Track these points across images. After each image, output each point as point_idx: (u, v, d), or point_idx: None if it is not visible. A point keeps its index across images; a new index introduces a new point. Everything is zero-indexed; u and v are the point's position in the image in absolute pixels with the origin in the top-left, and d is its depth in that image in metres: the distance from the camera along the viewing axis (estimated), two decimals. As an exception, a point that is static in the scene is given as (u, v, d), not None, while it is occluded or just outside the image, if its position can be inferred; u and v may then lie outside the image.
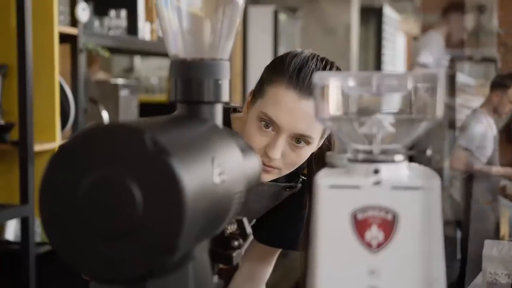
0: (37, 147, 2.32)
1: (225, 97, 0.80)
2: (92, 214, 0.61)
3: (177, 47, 0.81)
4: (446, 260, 0.69)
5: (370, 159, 0.70)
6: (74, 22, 2.60)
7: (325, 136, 1.32)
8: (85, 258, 0.62)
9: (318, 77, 0.71)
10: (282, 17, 4.81)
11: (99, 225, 0.61)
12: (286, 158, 1.25)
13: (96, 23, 2.86)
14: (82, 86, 2.63)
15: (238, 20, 0.83)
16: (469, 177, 4.27)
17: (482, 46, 9.13)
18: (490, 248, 2.02)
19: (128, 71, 5.17)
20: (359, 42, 6.22)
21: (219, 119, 0.80)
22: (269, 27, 4.76)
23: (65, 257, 0.62)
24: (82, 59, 2.62)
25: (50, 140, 2.38)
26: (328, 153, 0.79)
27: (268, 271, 1.47)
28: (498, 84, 4.36)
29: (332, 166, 0.76)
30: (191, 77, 0.78)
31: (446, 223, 4.22)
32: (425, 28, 9.60)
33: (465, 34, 4.58)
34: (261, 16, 4.81)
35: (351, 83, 0.70)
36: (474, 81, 5.87)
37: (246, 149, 0.84)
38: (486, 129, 4.20)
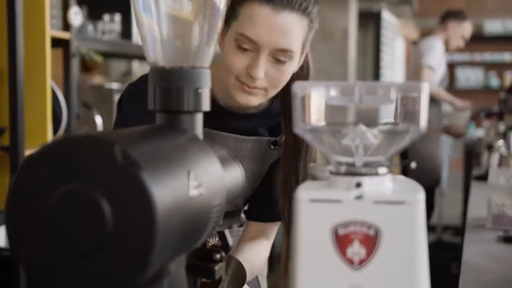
0: (28, 152, 2.29)
1: (206, 106, 0.78)
2: (60, 229, 0.58)
3: (156, 55, 0.78)
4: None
5: (352, 172, 0.67)
6: (66, 26, 2.58)
7: (305, 52, 1.29)
8: (53, 275, 0.59)
9: (298, 86, 0.68)
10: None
11: (68, 241, 0.58)
12: (270, 77, 1.23)
13: (90, 27, 2.84)
14: (74, 90, 2.60)
15: (219, 25, 0.81)
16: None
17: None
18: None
19: (126, 75, 5.15)
20: (358, 46, 6.20)
21: (199, 129, 0.78)
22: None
23: (31, 273, 0.59)
24: (75, 63, 2.59)
25: (41, 145, 2.36)
26: (311, 165, 0.76)
27: (267, 249, 1.43)
28: (452, 16, 4.49)
29: (314, 178, 0.74)
30: (170, 85, 0.76)
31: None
32: (424, 32, 9.61)
33: (463, 41, 4.62)
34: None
35: (333, 93, 0.68)
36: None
37: (227, 159, 0.82)
38: (442, 53, 4.52)
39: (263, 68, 1.21)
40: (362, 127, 0.68)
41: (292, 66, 1.25)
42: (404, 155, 4.19)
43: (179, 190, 0.62)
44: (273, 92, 1.26)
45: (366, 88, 0.67)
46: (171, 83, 0.76)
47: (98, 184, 0.57)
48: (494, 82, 9.77)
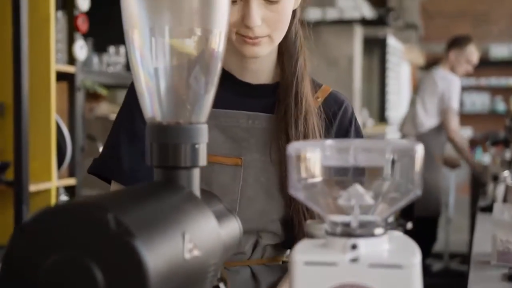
0: (33, 187, 2.30)
1: (203, 161, 0.78)
2: (53, 297, 0.58)
3: (153, 110, 0.79)
4: None
5: (348, 232, 0.67)
6: (72, 60, 2.60)
7: None
8: None
9: (293, 147, 0.68)
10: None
11: (61, 308, 0.58)
12: (269, 21, 1.16)
13: (95, 59, 2.86)
14: (79, 123, 2.61)
15: (216, 79, 0.81)
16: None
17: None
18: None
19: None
20: (363, 72, 6.21)
21: (196, 185, 0.78)
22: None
23: None
24: (80, 97, 2.60)
25: (46, 180, 2.36)
26: (308, 222, 0.76)
27: None
28: (455, 44, 4.52)
29: (310, 236, 0.74)
30: (167, 141, 0.76)
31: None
32: (430, 57, 9.63)
33: (471, 65, 4.62)
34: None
35: (328, 153, 0.68)
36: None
37: (224, 213, 0.81)
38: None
39: (257, 15, 1.14)
40: (358, 187, 0.68)
41: (289, 3, 1.18)
42: None
43: (174, 255, 0.62)
44: (278, 36, 1.19)
45: (361, 148, 0.67)
46: (168, 139, 0.76)
47: (91, 252, 0.57)
48: (501, 106, 9.76)
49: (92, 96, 3.45)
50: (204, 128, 0.78)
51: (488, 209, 2.75)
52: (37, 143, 2.37)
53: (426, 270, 5.13)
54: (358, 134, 1.33)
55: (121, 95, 3.82)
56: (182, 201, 0.71)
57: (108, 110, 3.67)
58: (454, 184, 6.05)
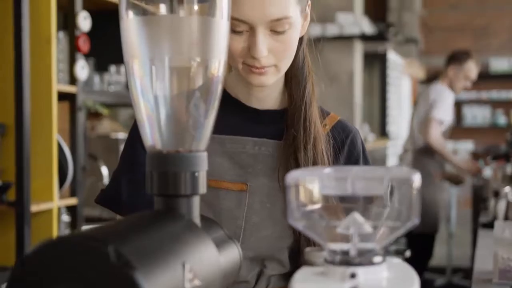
0: (34, 208, 2.30)
1: (203, 189, 0.79)
2: (54, 329, 0.58)
3: (153, 138, 0.79)
4: None
5: (346, 261, 0.67)
6: (73, 80, 2.61)
7: (307, 12, 1.21)
8: None
9: (291, 177, 0.69)
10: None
11: None
12: (275, 51, 1.14)
13: (96, 78, 2.87)
14: (80, 143, 2.62)
15: (215, 107, 0.82)
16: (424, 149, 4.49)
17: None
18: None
19: (134, 118, 5.17)
20: (364, 87, 6.23)
21: (196, 212, 0.78)
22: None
23: None
24: (81, 116, 2.62)
25: (47, 200, 2.37)
26: (307, 250, 0.77)
27: None
28: (453, 59, 4.53)
29: (310, 264, 0.74)
30: (167, 170, 0.77)
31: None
32: (430, 71, 9.66)
33: (469, 81, 4.63)
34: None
35: (326, 182, 0.69)
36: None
37: (224, 240, 0.82)
38: (451, 103, 4.54)
39: (263, 46, 1.13)
40: (356, 216, 0.68)
41: (295, 33, 1.16)
42: None
43: (174, 285, 0.62)
44: (284, 65, 1.18)
45: (359, 177, 0.68)
46: (168, 167, 0.77)
47: (92, 284, 0.58)
48: (502, 119, 9.78)
49: (94, 114, 3.47)
50: (203, 156, 0.79)
51: (490, 225, 2.75)
52: (38, 163, 2.38)
53: (429, 285, 5.11)
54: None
55: (123, 113, 3.84)
56: (182, 230, 0.72)
57: (110, 128, 3.69)
58: (456, 197, 6.05)
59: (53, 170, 2.40)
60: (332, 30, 5.23)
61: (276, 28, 1.13)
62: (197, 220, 0.77)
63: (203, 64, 0.79)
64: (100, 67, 2.93)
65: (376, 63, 7.14)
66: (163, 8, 0.81)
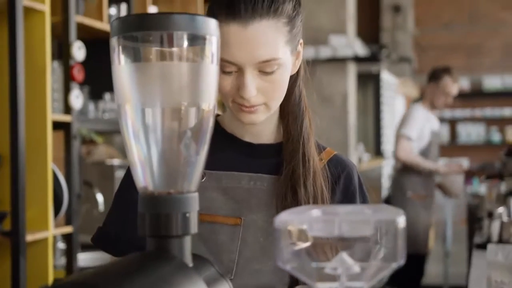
0: (29, 237, 2.31)
1: (194, 229, 0.80)
2: None
3: (146, 181, 0.81)
4: None
5: (335, 302, 0.69)
6: (68, 109, 2.63)
7: (298, 49, 1.21)
8: None
9: (279, 220, 0.71)
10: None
11: None
12: (264, 91, 1.15)
13: (91, 106, 2.89)
14: (75, 171, 2.64)
15: (206, 149, 0.83)
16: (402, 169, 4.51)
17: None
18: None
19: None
20: (358, 107, 6.27)
21: (187, 252, 0.80)
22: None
23: None
24: (76, 145, 2.63)
25: (43, 229, 2.38)
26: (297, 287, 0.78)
27: None
28: (431, 77, 4.59)
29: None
30: (159, 211, 0.79)
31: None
32: (424, 89, 9.73)
33: (449, 97, 4.61)
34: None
35: (314, 224, 0.70)
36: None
37: (216, 278, 0.83)
38: (424, 121, 4.53)
39: (252, 86, 1.14)
40: (344, 256, 0.70)
41: (285, 72, 1.17)
42: None
43: (165, 329, 0.64)
44: (274, 104, 1.19)
45: (346, 220, 0.70)
46: (159, 209, 0.79)
47: (85, 331, 0.59)
48: (496, 137, 9.83)
49: (90, 140, 3.49)
50: (194, 197, 0.81)
51: (484, 246, 2.76)
52: (34, 192, 2.39)
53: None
54: (365, 201, 1.31)
55: (118, 138, 3.86)
56: (173, 272, 0.74)
57: (106, 153, 3.70)
58: (451, 216, 6.06)
59: (48, 199, 2.41)
60: (325, 52, 5.28)
61: (264, 69, 1.14)
62: (188, 260, 0.79)
63: (194, 107, 0.81)
64: (94, 94, 2.95)
65: (369, 83, 7.18)
66: (154, 53, 0.83)
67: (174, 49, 0.79)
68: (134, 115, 0.80)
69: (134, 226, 1.21)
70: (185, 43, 0.79)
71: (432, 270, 6.41)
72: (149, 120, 0.80)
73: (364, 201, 1.31)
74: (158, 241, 0.79)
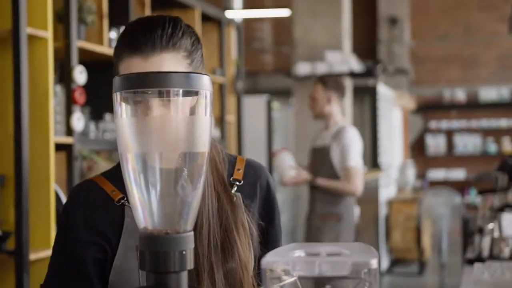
0: (33, 256, 2.39)
1: (190, 265, 0.89)
2: None
3: (146, 221, 0.89)
4: None
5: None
6: (69, 131, 2.71)
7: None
8: None
9: (265, 261, 0.79)
10: (275, 105, 4.95)
11: None
12: None
13: (92, 126, 2.98)
14: (77, 191, 2.71)
15: (201, 190, 0.92)
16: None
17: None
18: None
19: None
20: (354, 120, 6.35)
21: (184, 286, 0.88)
22: (263, 115, 4.89)
23: None
24: (77, 165, 2.72)
25: (45, 247, 2.46)
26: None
27: None
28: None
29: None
30: (158, 250, 0.87)
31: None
32: (420, 101, 9.82)
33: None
34: (255, 105, 4.96)
35: (297, 266, 0.79)
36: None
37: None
38: None
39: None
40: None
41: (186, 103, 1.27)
42: None
43: None
44: None
45: (325, 261, 0.78)
46: (158, 247, 0.87)
47: None
48: (492, 147, 9.92)
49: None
50: (190, 236, 0.89)
51: (475, 261, 2.82)
52: (37, 212, 2.47)
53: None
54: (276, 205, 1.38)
55: (117, 155, 3.93)
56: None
57: (106, 168, 3.77)
58: (447, 227, 6.14)
59: (51, 219, 2.49)
60: (321, 68, 5.37)
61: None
62: (185, 295, 0.87)
63: (190, 153, 0.89)
64: (95, 115, 3.03)
65: (366, 96, 7.27)
66: (153, 107, 0.92)
67: (171, 104, 0.87)
68: (134, 163, 0.88)
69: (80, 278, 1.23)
70: (181, 98, 0.87)
71: (429, 281, 6.48)
72: (148, 166, 0.88)
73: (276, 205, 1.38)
74: (157, 277, 0.87)
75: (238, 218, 1.28)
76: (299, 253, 0.81)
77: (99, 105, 3.03)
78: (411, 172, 8.73)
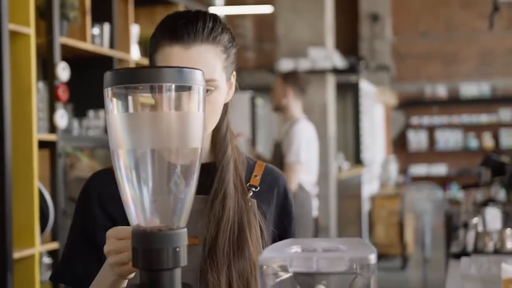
0: (16, 254, 2.36)
1: (184, 262, 0.87)
2: None
3: (138, 218, 0.88)
4: None
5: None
6: (53, 128, 2.68)
7: (232, 82, 1.30)
8: None
9: (263, 258, 0.78)
10: (259, 101, 4.94)
11: None
12: None
13: (75, 124, 2.95)
14: (60, 188, 2.69)
15: (194, 186, 0.90)
16: None
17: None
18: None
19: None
20: (337, 116, 6.36)
21: (177, 283, 0.87)
22: (247, 111, 4.88)
23: None
24: (61, 162, 2.69)
25: (29, 246, 2.43)
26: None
27: None
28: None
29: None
30: (151, 247, 0.86)
31: None
32: (402, 97, 9.86)
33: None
34: (239, 101, 4.95)
35: (294, 262, 0.78)
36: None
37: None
38: None
39: None
40: (321, 288, 0.77)
41: (221, 96, 1.25)
42: None
43: None
44: (210, 125, 1.25)
45: (323, 257, 0.77)
46: (151, 244, 0.86)
47: None
48: (473, 143, 9.98)
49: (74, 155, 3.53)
50: (183, 232, 0.88)
51: (460, 255, 2.83)
52: (20, 210, 2.44)
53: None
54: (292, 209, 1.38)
55: (101, 153, 3.90)
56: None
57: (88, 166, 3.74)
58: (430, 222, 6.17)
59: (35, 217, 2.46)
60: (304, 64, 5.36)
61: None
62: (178, 291, 0.86)
63: (182, 149, 0.88)
64: (78, 112, 3.01)
65: (348, 92, 7.28)
66: (144, 103, 0.90)
67: (163, 99, 0.86)
68: (126, 160, 0.87)
69: (99, 262, 1.21)
70: (173, 93, 0.86)
71: (412, 276, 6.51)
72: (140, 162, 0.87)
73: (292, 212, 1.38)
74: (150, 274, 0.86)
75: (251, 221, 1.27)
76: (296, 248, 0.80)
77: (82, 102, 3.00)
78: (393, 168, 8.77)
